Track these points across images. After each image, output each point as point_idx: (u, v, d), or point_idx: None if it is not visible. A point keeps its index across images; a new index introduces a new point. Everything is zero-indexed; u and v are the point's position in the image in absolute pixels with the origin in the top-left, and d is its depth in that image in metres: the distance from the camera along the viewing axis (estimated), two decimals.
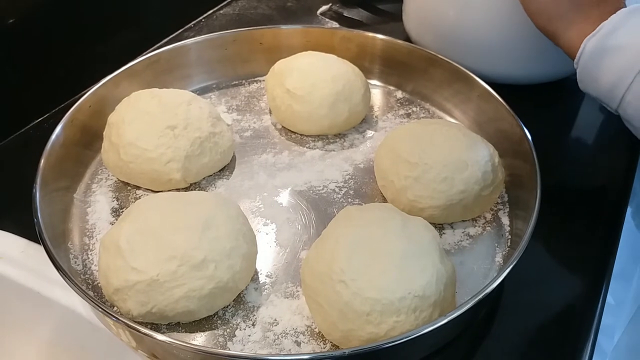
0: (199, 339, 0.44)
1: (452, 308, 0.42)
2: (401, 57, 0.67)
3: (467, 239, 0.51)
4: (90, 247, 0.50)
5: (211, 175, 0.57)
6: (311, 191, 0.56)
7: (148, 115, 0.53)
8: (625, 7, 0.50)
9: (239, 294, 0.46)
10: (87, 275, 0.48)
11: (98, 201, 0.54)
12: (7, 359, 0.50)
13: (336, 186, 0.57)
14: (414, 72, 0.67)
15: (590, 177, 0.60)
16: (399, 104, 0.67)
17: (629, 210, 0.57)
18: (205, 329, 0.44)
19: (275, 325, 0.44)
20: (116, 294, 0.43)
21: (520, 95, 0.59)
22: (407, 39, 0.75)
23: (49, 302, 0.47)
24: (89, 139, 0.58)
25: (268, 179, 0.57)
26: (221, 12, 0.88)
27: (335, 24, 0.85)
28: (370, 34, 0.68)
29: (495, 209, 0.54)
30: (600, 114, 0.68)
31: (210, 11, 0.87)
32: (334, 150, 0.61)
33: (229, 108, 0.66)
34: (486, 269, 0.49)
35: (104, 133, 0.56)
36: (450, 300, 0.43)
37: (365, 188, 0.56)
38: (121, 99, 0.57)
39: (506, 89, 0.59)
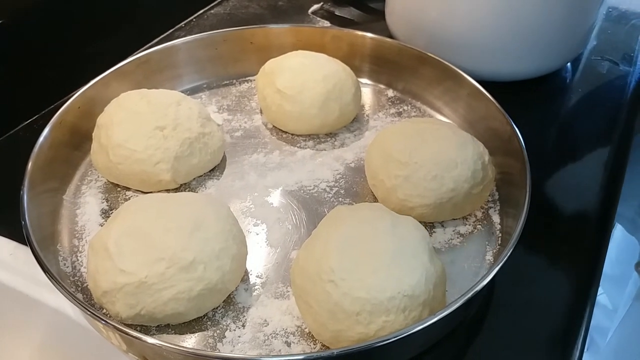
0: (189, 341, 0.44)
1: (443, 307, 0.42)
2: (391, 56, 0.67)
3: (457, 238, 0.51)
4: (80, 249, 0.50)
5: (201, 176, 0.57)
6: (302, 191, 0.56)
7: (137, 116, 0.53)
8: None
9: (229, 294, 0.46)
10: (76, 278, 0.47)
11: (87, 202, 0.54)
12: None
13: (327, 185, 0.56)
14: (405, 71, 0.67)
15: (581, 174, 0.60)
16: (389, 103, 0.67)
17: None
18: (195, 331, 0.44)
19: (265, 326, 0.44)
20: (105, 296, 0.42)
21: (509, 93, 0.59)
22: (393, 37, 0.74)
23: (38, 305, 0.47)
24: (78, 140, 0.57)
25: (259, 179, 0.57)
26: (212, 11, 0.88)
27: (327, 23, 0.85)
28: (360, 33, 0.68)
29: (486, 207, 0.54)
30: (591, 110, 0.68)
31: (201, 11, 0.87)
32: (324, 150, 0.61)
33: (219, 108, 0.66)
34: (477, 267, 0.49)
35: (93, 134, 0.55)
36: (440, 299, 0.43)
37: (356, 187, 0.56)
38: (111, 100, 0.56)
39: (495, 86, 0.59)
